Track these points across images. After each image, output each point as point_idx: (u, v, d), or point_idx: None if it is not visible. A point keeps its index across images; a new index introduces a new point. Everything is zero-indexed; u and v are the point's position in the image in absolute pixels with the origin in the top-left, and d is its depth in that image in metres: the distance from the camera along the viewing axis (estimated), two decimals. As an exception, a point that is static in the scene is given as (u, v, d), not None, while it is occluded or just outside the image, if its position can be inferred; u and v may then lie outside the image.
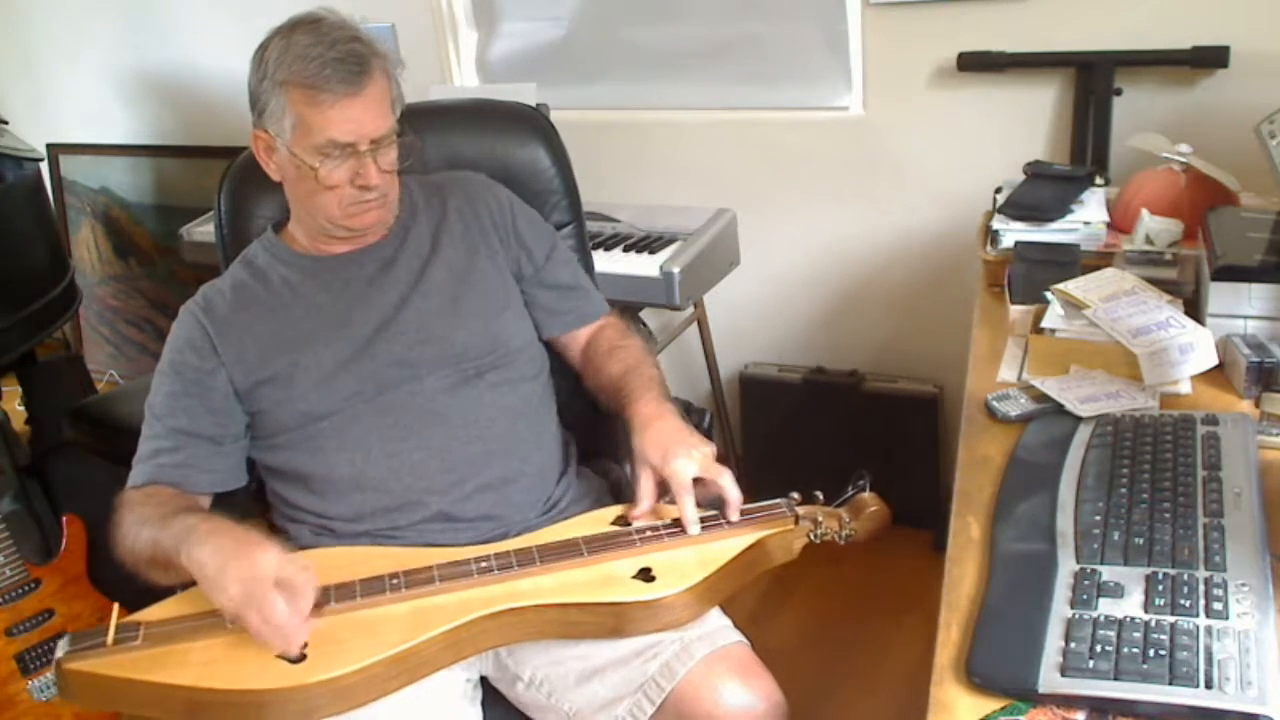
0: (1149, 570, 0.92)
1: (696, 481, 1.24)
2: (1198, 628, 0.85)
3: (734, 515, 1.24)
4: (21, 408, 2.80)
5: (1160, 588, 0.90)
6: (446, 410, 1.35)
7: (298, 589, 1.10)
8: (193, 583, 1.17)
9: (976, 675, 0.86)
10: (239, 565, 1.09)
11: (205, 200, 1.71)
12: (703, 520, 1.24)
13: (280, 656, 1.10)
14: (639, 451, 1.28)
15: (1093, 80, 1.95)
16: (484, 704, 1.32)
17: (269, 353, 1.35)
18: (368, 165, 1.30)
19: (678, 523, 1.24)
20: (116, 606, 1.17)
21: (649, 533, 1.24)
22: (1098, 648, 0.84)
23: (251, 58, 1.31)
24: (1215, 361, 1.26)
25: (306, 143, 1.28)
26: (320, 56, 1.25)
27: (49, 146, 3.33)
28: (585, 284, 1.54)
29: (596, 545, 1.23)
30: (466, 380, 1.37)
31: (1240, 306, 1.30)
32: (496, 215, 1.47)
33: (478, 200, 1.47)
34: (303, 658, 1.10)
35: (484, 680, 1.35)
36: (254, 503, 1.45)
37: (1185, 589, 0.89)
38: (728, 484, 1.24)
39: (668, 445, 1.25)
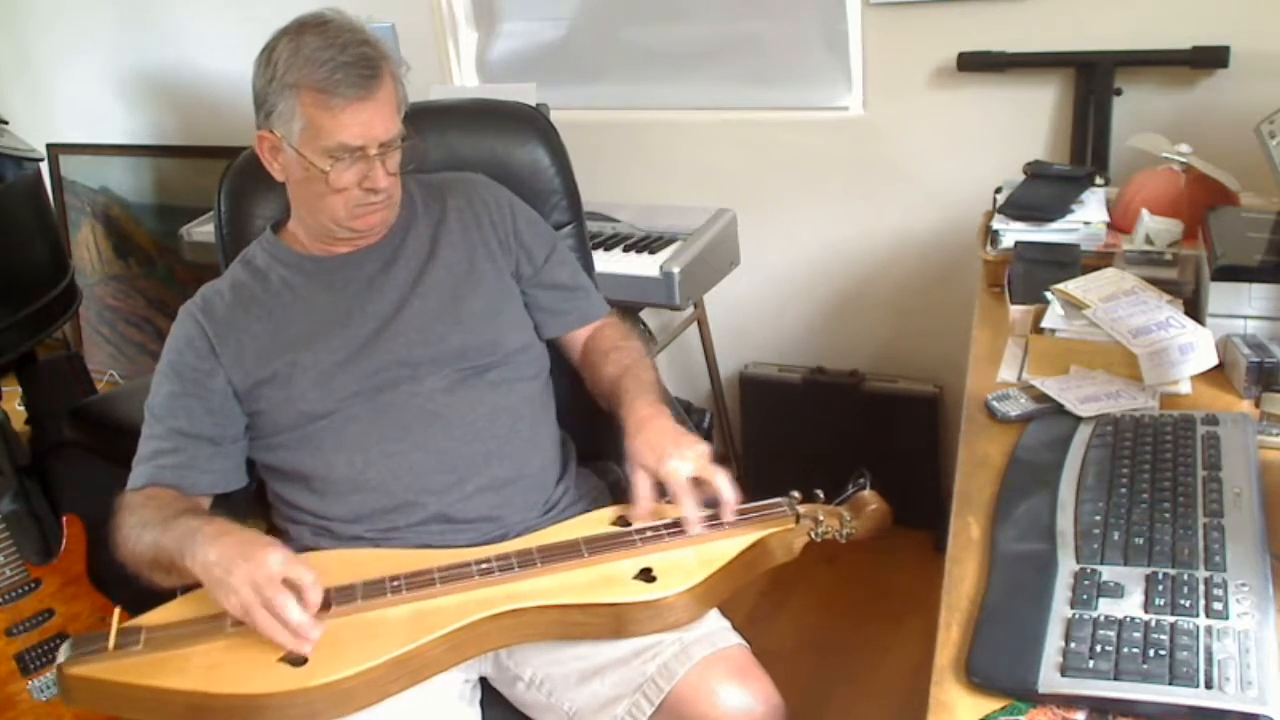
0: (1149, 570, 0.92)
1: (692, 481, 1.24)
2: (1198, 628, 0.85)
3: (729, 515, 1.23)
4: (21, 408, 2.79)
5: (1160, 588, 0.90)
6: (445, 410, 1.35)
7: (305, 587, 1.11)
8: (195, 585, 1.18)
9: (976, 675, 0.86)
10: (246, 566, 1.10)
11: (205, 200, 1.71)
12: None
13: (283, 659, 1.10)
14: (633, 454, 1.27)
15: (1093, 80, 1.95)
16: (483, 704, 1.32)
17: (268, 353, 1.35)
18: (376, 168, 1.30)
19: (678, 523, 1.24)
20: (118, 610, 1.17)
21: (649, 533, 1.24)
22: (1098, 648, 0.84)
23: (257, 59, 1.30)
24: (1215, 361, 1.26)
25: (316, 145, 1.27)
26: (331, 60, 1.24)
27: (49, 146, 3.33)
28: (586, 284, 1.54)
29: (597, 546, 1.22)
30: (466, 380, 1.37)
31: (1240, 306, 1.30)
32: (496, 217, 1.47)
33: (477, 202, 1.47)
34: (303, 661, 1.10)
35: (483, 681, 1.35)
36: (254, 504, 1.45)
37: (1185, 589, 0.89)
38: (723, 484, 1.23)
39: (662, 447, 1.25)
